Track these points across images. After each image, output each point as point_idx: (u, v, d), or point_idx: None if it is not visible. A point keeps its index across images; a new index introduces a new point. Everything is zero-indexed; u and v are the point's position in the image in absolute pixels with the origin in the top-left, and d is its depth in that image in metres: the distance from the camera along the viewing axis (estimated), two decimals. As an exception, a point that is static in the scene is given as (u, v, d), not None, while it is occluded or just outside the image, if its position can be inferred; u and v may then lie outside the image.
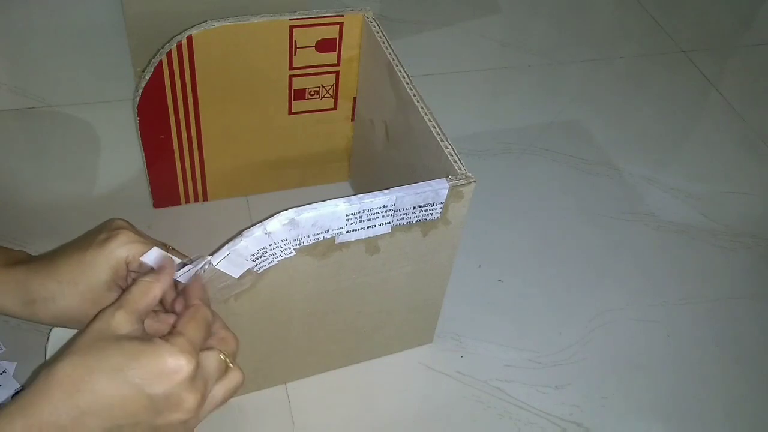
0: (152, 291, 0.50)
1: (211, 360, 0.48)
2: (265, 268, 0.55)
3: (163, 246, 0.57)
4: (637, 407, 0.72)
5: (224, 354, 0.49)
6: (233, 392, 0.50)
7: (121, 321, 0.47)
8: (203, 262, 0.53)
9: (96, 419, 0.44)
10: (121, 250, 0.55)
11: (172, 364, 0.45)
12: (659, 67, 1.15)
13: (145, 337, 0.47)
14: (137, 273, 0.58)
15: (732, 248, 0.88)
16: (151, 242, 0.57)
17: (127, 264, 0.55)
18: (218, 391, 0.49)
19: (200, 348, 0.48)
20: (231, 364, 0.50)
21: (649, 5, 1.27)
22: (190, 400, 0.46)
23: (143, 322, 0.49)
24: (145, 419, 0.45)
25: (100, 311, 0.48)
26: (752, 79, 1.16)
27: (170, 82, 0.70)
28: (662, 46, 1.19)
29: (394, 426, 0.67)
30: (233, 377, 0.50)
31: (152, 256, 0.55)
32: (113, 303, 0.49)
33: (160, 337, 0.47)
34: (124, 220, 0.58)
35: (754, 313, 0.82)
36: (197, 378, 0.46)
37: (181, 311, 0.51)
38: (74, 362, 0.45)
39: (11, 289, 0.55)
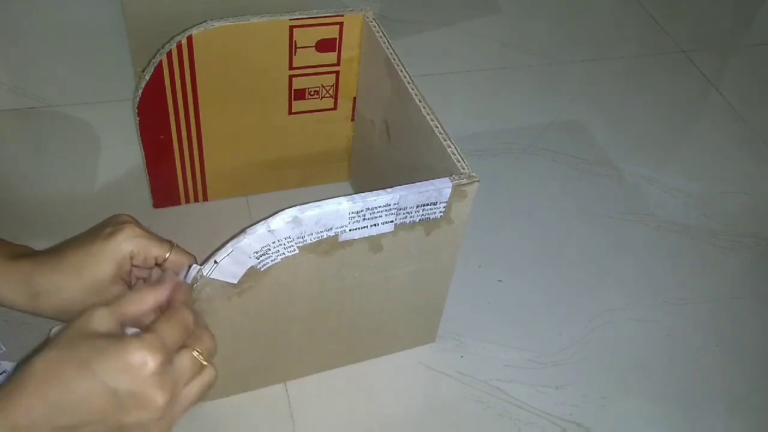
0: (144, 300, 0.50)
1: (184, 359, 0.47)
2: (268, 265, 0.55)
3: (168, 243, 0.58)
4: (637, 407, 0.72)
5: (198, 351, 0.48)
6: (206, 389, 0.49)
7: (101, 319, 0.46)
8: (207, 264, 0.53)
9: (65, 415, 0.44)
10: (126, 243, 0.55)
11: (137, 359, 0.44)
12: (659, 67, 1.15)
13: (118, 335, 0.46)
14: (141, 268, 0.58)
15: (732, 248, 0.88)
16: (156, 238, 0.57)
17: (132, 258, 0.56)
18: (192, 388, 0.48)
19: (175, 348, 0.47)
20: (204, 362, 0.49)
21: (649, 5, 1.27)
22: (156, 397, 0.45)
23: (124, 327, 0.48)
24: (111, 416, 0.44)
25: (85, 308, 0.47)
26: (752, 79, 1.16)
27: (170, 82, 0.70)
28: (662, 46, 1.19)
29: (394, 426, 0.67)
30: (206, 374, 0.49)
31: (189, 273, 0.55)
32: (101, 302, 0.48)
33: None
34: (129, 215, 0.58)
35: (754, 313, 0.82)
36: (165, 375, 0.45)
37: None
38: (49, 356, 0.44)
39: (16, 282, 0.55)
